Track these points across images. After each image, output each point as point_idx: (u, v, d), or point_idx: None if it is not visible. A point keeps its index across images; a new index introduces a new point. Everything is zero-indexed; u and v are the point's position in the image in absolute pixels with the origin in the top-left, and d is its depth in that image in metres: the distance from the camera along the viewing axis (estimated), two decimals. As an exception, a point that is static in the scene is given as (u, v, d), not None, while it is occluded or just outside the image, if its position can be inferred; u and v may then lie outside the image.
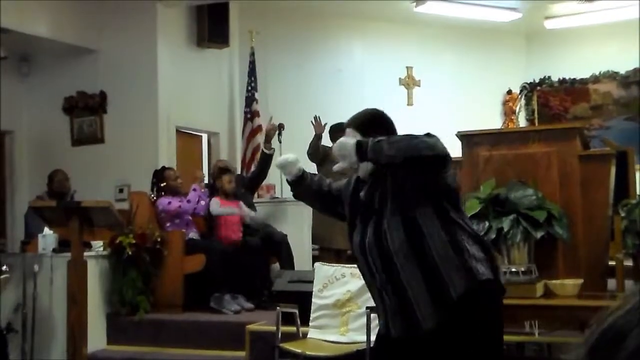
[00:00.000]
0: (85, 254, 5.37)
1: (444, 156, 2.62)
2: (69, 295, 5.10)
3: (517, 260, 4.25)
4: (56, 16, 7.49)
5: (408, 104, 9.89)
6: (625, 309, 0.61)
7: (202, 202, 6.53)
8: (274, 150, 6.98)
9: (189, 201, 6.45)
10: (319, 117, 7.12)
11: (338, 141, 2.79)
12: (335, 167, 2.91)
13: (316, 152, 7.14)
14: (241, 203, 6.56)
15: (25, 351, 5.53)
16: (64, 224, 5.25)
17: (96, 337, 5.66)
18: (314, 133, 7.08)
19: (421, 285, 2.66)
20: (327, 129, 7.19)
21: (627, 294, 0.61)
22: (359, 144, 2.66)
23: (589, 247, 4.47)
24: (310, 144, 7.12)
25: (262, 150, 7.11)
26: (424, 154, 2.57)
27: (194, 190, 6.53)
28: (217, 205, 6.46)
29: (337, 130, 7.28)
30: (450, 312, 2.64)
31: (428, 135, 2.65)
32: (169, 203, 6.42)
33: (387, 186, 2.76)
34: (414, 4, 9.12)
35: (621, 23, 9.48)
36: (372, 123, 2.92)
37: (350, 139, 2.75)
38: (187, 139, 8.40)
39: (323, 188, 3.14)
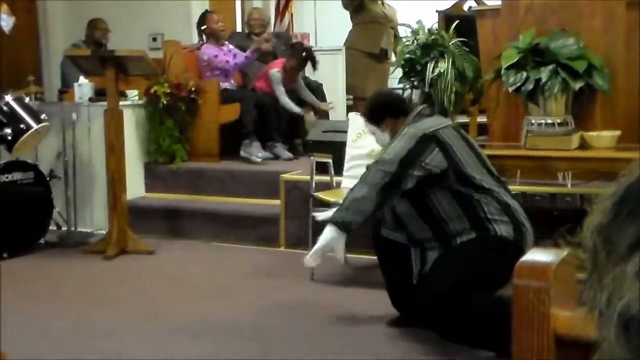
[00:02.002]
0: (121, 103, 5.41)
1: (397, 178, 3.17)
2: (107, 143, 5.19)
3: (554, 111, 4.19)
4: None
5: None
6: None
7: (242, 58, 6.44)
8: None
9: (235, 55, 6.37)
10: None
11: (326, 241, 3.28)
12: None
13: (349, 3, 6.99)
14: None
15: (69, 197, 5.71)
16: (99, 73, 5.27)
17: (135, 185, 5.81)
18: None
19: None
20: None
21: None
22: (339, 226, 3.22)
23: (629, 98, 4.38)
24: None
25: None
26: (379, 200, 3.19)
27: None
28: (277, 77, 6.24)
29: None
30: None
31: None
32: (216, 56, 6.34)
33: None
34: None
35: None
36: (379, 111, 3.53)
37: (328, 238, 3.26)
38: (219, -13, 8.21)
39: None
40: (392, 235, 3.50)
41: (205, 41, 6.52)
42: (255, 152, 5.94)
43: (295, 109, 6.21)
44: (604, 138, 4.18)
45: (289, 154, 6.07)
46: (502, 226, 3.17)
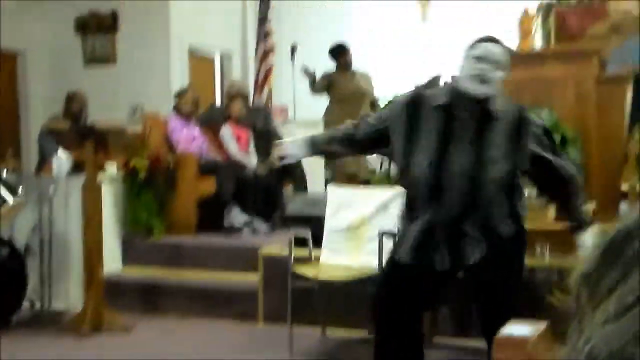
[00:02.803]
0: (99, 177, 5.40)
1: None
2: (84, 217, 5.16)
3: (530, 184, 4.23)
4: None
5: (422, 20, 9.70)
6: (636, 216, 0.67)
7: (203, 145, 6.51)
8: None
9: (193, 139, 6.44)
10: (306, 68, 7.06)
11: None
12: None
13: (319, 90, 7.13)
14: (250, 151, 6.49)
15: (44, 272, 5.62)
16: (78, 146, 5.27)
17: (112, 260, 5.74)
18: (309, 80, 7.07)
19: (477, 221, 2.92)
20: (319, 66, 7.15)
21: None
22: None
23: (603, 171, 4.45)
24: (310, 85, 7.12)
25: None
26: None
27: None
28: (228, 133, 6.39)
29: (336, 51, 7.21)
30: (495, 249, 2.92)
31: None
32: (173, 129, 6.41)
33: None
34: None
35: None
36: None
37: None
38: (199, 61, 8.33)
39: (356, 139, 3.13)
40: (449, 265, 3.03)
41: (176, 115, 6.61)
42: (237, 218, 5.93)
43: (247, 160, 6.34)
44: (579, 210, 4.21)
45: (266, 228, 6.07)
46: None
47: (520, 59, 4.61)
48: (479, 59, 2.93)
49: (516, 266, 3.08)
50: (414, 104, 2.99)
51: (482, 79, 2.89)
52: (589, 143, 4.43)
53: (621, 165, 4.61)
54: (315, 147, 3.19)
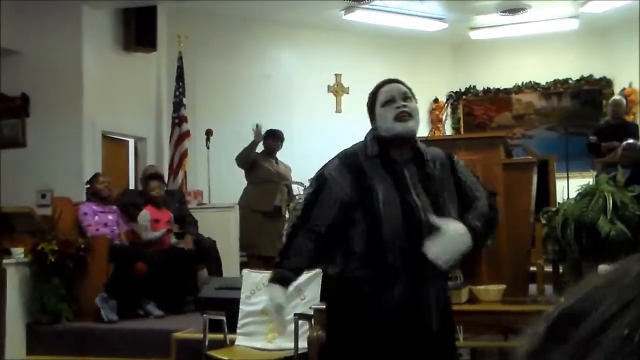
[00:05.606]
0: (5, 261, 5.20)
1: None
2: (-13, 304, 4.94)
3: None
4: (-24, 16, 7.25)
5: (336, 111, 9.97)
6: (585, 292, 0.61)
7: (115, 229, 6.41)
8: None
9: (105, 224, 6.33)
10: (259, 126, 7.18)
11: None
12: None
13: (246, 158, 7.18)
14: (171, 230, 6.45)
15: (-60, 362, 5.32)
16: (-18, 230, 5.08)
17: (15, 348, 5.48)
18: (253, 139, 7.15)
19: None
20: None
21: (589, 276, 0.62)
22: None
23: (512, 253, 4.58)
24: (244, 149, 7.16)
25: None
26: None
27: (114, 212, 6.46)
28: (146, 218, 6.33)
29: (268, 135, 7.35)
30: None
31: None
32: (85, 214, 6.29)
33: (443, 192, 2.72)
34: (343, 12, 9.21)
35: (542, 36, 9.83)
36: None
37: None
38: (113, 145, 8.25)
39: (319, 245, 2.70)
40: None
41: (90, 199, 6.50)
42: (107, 311, 5.79)
43: (157, 234, 6.33)
44: (490, 292, 4.31)
45: (159, 312, 5.96)
46: None
47: (431, 145, 4.75)
48: (391, 99, 2.70)
49: None
50: (351, 162, 2.69)
51: (407, 115, 2.66)
52: (498, 227, 4.55)
53: (529, 248, 4.77)
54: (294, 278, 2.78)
